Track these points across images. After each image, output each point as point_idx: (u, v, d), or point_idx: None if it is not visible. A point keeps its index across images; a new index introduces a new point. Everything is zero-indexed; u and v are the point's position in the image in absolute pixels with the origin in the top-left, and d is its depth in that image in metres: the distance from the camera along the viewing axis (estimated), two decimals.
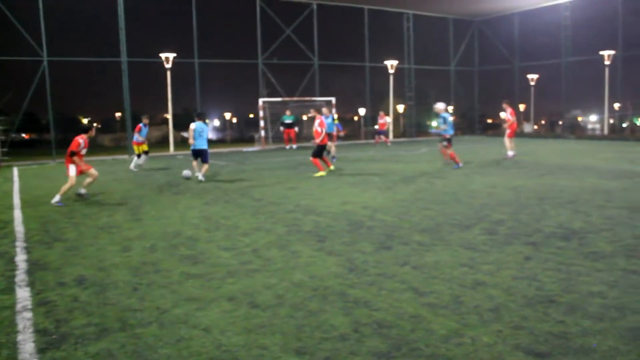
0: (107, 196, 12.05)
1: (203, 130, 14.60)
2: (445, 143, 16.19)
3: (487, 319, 4.36)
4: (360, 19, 33.29)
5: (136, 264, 6.31)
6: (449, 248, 6.65)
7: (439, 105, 16.46)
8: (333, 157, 20.45)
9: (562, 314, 4.42)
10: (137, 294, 5.19)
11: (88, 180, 11.65)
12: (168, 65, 27.47)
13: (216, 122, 77.06)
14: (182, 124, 36.23)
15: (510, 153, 18.55)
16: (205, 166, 14.59)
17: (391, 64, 34.12)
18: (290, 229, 8.03)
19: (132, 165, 18.34)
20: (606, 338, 3.93)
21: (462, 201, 10.07)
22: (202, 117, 14.88)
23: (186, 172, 14.95)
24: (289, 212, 9.39)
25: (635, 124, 46.11)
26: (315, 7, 31.40)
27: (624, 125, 39.69)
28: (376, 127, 29.57)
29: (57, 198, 10.92)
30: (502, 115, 17.56)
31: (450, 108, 42.98)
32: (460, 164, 15.92)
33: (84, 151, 11.40)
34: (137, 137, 17.91)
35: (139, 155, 18.25)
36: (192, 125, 14.60)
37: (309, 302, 4.85)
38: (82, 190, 11.68)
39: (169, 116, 29.26)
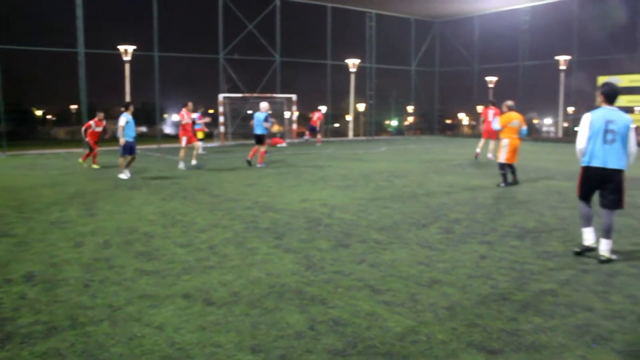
0: (60, 190, 11.72)
1: (132, 122, 14.05)
2: (269, 141, 15.94)
3: (442, 316, 4.40)
4: (323, 16, 33.28)
5: (89, 260, 6.15)
6: (406, 246, 6.70)
7: (265, 104, 16.29)
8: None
9: (515, 311, 4.50)
10: (88, 291, 5.05)
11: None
12: (127, 58, 26.94)
13: (175, 117, 76.10)
14: (140, 117, 35.62)
15: (488, 155, 17.66)
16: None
17: (353, 62, 34.26)
18: (247, 225, 7.96)
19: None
20: (556, 335, 4.02)
21: (420, 200, 10.16)
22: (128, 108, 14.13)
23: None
24: (247, 209, 9.31)
25: None
26: (278, 3, 31.25)
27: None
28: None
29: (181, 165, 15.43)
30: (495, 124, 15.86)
31: (411, 108, 43.51)
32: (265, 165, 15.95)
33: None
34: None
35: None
36: (126, 118, 13.78)
37: (265, 299, 4.81)
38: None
39: None
